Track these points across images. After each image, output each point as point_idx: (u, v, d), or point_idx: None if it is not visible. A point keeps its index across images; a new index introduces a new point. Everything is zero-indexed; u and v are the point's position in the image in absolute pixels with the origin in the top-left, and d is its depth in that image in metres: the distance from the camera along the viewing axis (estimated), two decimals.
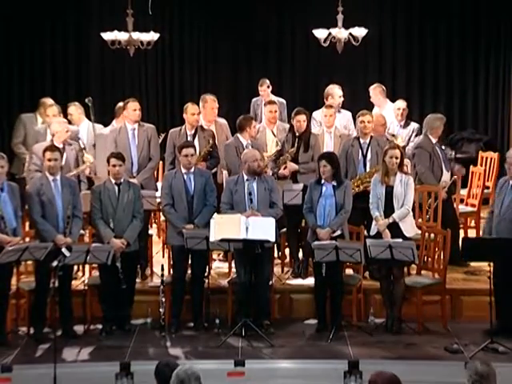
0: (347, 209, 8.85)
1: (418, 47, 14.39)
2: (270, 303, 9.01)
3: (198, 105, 10.46)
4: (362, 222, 9.29)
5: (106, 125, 10.98)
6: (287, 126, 10.51)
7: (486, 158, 11.74)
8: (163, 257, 10.19)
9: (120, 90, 13.77)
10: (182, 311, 8.94)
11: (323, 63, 13.79)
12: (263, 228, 8.42)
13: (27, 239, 8.99)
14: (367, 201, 9.01)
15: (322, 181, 8.88)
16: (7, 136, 11.99)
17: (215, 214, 8.75)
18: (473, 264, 9.74)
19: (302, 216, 9.17)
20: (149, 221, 10.28)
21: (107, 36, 11.72)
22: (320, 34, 11.44)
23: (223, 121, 11.00)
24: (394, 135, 10.69)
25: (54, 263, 7.87)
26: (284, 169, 9.96)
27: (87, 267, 9.37)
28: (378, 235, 8.79)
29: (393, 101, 11.72)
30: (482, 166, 11.64)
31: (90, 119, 10.89)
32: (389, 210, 8.85)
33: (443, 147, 10.33)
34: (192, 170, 9.02)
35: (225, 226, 8.43)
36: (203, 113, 10.58)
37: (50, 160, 8.73)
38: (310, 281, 9.26)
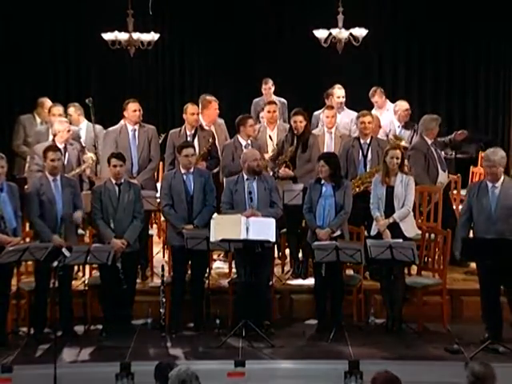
0: (347, 210, 8.84)
1: (418, 47, 14.40)
2: (271, 303, 9.00)
3: (197, 105, 10.46)
4: (363, 223, 9.29)
5: (105, 125, 10.93)
6: (288, 126, 10.52)
7: None
8: (163, 257, 10.20)
9: (120, 91, 13.77)
10: (182, 311, 8.93)
11: (323, 63, 13.79)
12: (263, 228, 8.41)
13: (27, 239, 8.99)
14: (367, 201, 9.01)
15: (322, 181, 8.88)
16: (7, 136, 11.97)
17: (215, 214, 8.75)
18: (473, 264, 9.72)
19: (302, 216, 9.15)
20: (149, 221, 10.29)
21: (107, 36, 11.74)
22: (320, 34, 11.46)
23: (222, 121, 11.01)
24: (398, 137, 10.66)
25: (55, 263, 7.89)
26: (284, 168, 9.95)
27: (87, 267, 9.36)
28: (379, 235, 8.79)
29: (393, 101, 11.73)
30: (482, 166, 11.62)
31: (90, 120, 10.87)
32: (389, 210, 8.85)
33: (446, 141, 10.31)
34: (191, 170, 9.02)
35: (225, 227, 8.42)
36: (206, 113, 10.58)
37: (52, 160, 8.70)
38: (310, 281, 9.26)
